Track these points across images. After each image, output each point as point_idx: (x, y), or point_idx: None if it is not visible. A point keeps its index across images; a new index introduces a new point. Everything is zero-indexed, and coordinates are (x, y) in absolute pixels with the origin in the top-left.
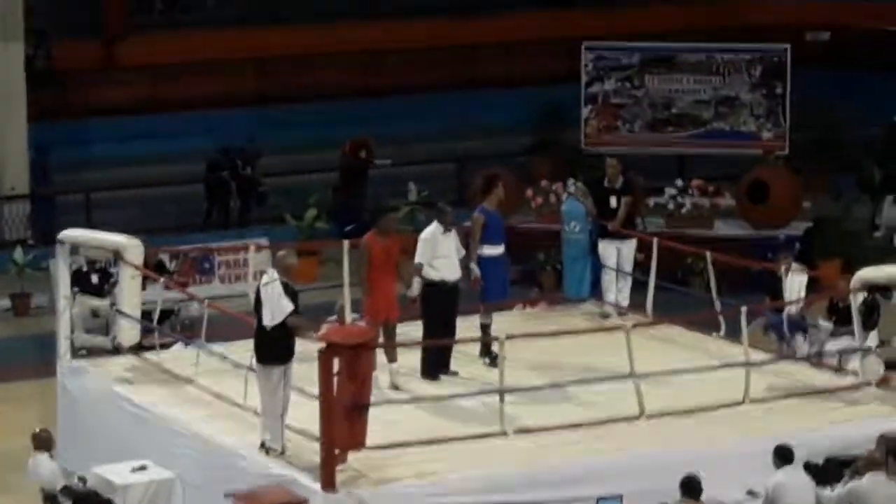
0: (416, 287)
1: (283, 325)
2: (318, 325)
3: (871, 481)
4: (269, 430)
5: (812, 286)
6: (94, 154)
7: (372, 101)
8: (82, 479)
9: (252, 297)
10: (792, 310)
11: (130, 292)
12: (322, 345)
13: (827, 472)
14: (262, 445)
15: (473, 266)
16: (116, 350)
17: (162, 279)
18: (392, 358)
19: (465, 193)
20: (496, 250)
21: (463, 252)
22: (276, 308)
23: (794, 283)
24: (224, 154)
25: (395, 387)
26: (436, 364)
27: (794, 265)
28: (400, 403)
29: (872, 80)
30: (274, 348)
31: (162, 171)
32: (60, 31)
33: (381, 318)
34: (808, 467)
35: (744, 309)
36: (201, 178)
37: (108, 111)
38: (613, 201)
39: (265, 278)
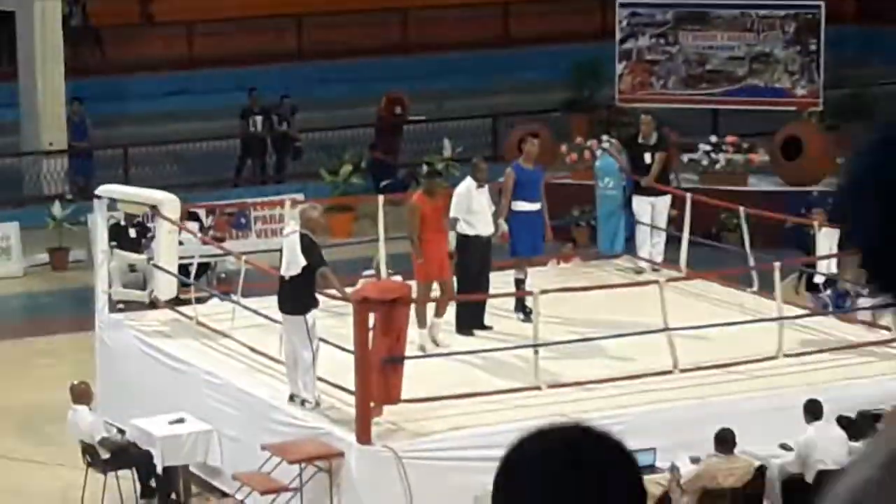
0: (451, 242)
1: (303, 275)
2: (355, 280)
3: None
4: (300, 382)
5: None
6: (131, 110)
7: (407, 57)
8: (121, 431)
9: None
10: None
11: (167, 247)
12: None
13: (859, 426)
14: (291, 398)
15: (501, 221)
16: (153, 304)
17: (198, 234)
18: (440, 313)
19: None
20: (529, 206)
21: (494, 207)
22: (292, 260)
23: (827, 239)
24: (261, 112)
25: (434, 342)
26: (470, 319)
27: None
28: (435, 357)
29: None
30: (296, 299)
31: (198, 127)
32: None
33: (431, 279)
34: (841, 421)
35: (777, 264)
36: (237, 134)
37: (144, 67)
38: (647, 157)
39: (287, 230)
